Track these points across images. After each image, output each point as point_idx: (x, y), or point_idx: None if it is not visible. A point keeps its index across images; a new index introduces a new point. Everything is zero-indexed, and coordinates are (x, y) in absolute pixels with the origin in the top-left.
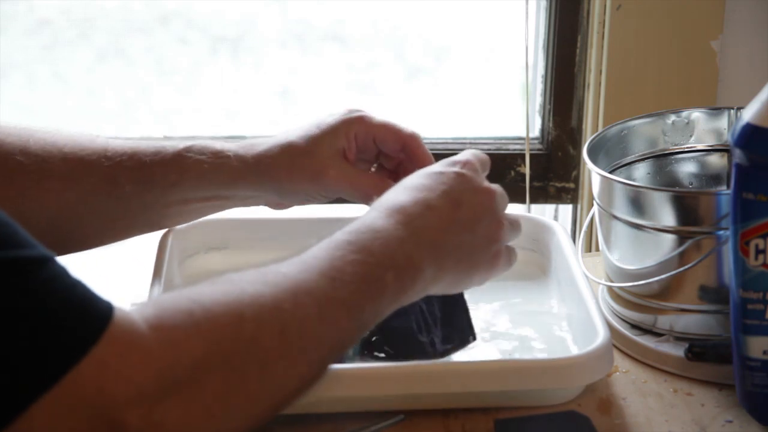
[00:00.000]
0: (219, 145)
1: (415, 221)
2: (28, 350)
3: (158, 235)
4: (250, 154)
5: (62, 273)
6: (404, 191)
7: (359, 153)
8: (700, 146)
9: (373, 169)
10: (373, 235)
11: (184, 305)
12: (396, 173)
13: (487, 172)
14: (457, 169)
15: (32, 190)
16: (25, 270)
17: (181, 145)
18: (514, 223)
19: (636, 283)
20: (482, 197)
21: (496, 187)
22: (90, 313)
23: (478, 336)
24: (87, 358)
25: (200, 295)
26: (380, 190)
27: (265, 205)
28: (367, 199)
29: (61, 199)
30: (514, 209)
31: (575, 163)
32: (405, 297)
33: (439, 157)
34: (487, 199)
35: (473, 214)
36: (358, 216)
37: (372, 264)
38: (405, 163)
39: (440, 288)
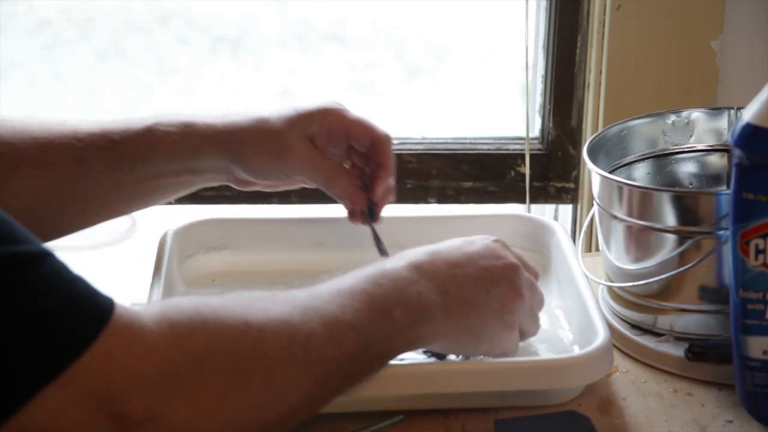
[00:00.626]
0: (189, 117)
1: (425, 266)
2: (30, 343)
3: (158, 235)
4: (221, 122)
5: (62, 268)
6: (423, 247)
7: (330, 143)
8: (700, 146)
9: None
10: (382, 273)
11: (192, 305)
12: (364, 174)
13: (533, 278)
14: (486, 241)
15: (6, 178)
16: (25, 265)
17: (151, 119)
18: (535, 308)
19: (636, 283)
20: (502, 265)
21: (522, 268)
22: (92, 306)
23: None
24: (90, 349)
25: (208, 302)
26: (342, 178)
27: (230, 182)
28: (328, 183)
29: (35, 185)
30: (514, 209)
31: (575, 163)
32: (416, 339)
33: (439, 157)
34: (508, 269)
35: (489, 276)
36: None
37: (381, 296)
38: (370, 164)
39: (449, 339)
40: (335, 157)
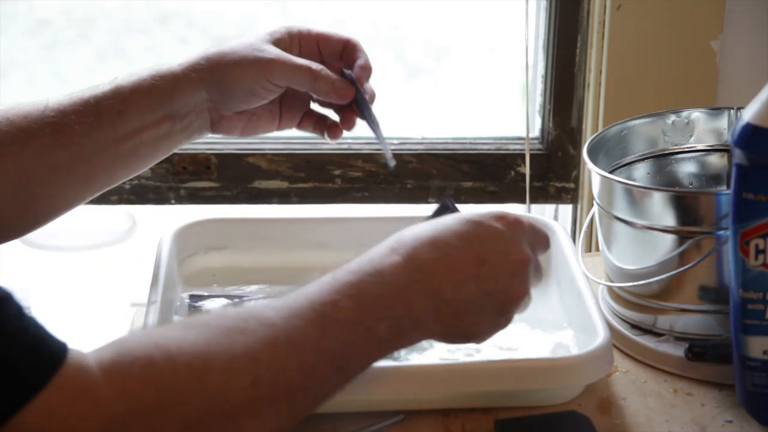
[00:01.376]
0: (156, 65)
1: (425, 266)
2: None
3: (158, 235)
4: (189, 59)
5: (16, 313)
6: (430, 229)
7: (302, 53)
8: (700, 146)
9: None
10: (374, 279)
11: (146, 351)
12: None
13: (541, 250)
14: (497, 225)
15: None
16: None
17: (119, 77)
18: (530, 298)
19: (636, 283)
20: (511, 261)
21: (532, 256)
22: (40, 357)
23: None
24: (33, 404)
25: (168, 340)
26: (325, 71)
27: (211, 124)
28: (313, 79)
29: (17, 162)
30: (514, 209)
31: (575, 163)
32: (400, 346)
33: (439, 157)
34: (516, 265)
35: (496, 275)
36: (373, 248)
37: (365, 312)
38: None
39: (435, 339)
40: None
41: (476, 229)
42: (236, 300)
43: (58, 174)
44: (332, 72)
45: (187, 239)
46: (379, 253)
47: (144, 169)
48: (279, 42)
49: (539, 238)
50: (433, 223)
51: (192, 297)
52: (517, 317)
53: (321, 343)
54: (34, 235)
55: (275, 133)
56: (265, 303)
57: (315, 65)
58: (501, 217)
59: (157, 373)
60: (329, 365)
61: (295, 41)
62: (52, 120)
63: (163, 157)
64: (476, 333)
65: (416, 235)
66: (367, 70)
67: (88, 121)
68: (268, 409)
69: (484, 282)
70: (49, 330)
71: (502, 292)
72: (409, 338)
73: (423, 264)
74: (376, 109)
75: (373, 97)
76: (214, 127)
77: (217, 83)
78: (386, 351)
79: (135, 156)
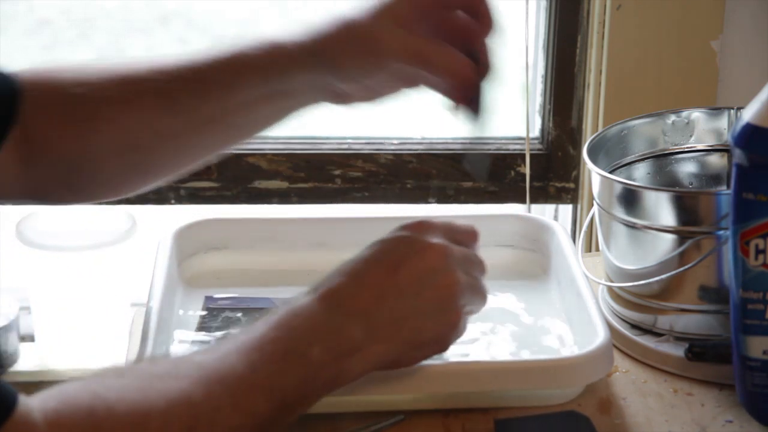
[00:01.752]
0: (274, 37)
1: (339, 293)
2: None
3: (158, 235)
4: (308, 36)
5: None
6: (335, 271)
7: (420, 19)
8: (700, 146)
9: None
10: (293, 313)
11: (87, 401)
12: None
13: (470, 242)
14: (402, 233)
15: (92, 121)
16: None
17: (236, 45)
18: (477, 279)
19: (636, 283)
20: (427, 257)
21: (449, 247)
22: None
23: (479, 336)
24: None
25: (106, 390)
26: (441, 49)
27: (327, 99)
28: (427, 60)
29: (121, 124)
30: (514, 209)
31: (575, 163)
32: (342, 374)
33: (439, 157)
34: (433, 258)
35: (415, 276)
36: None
37: (293, 339)
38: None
39: (387, 360)
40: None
41: (381, 246)
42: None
43: (162, 141)
44: (454, 49)
45: (187, 239)
46: (293, 299)
47: (259, 133)
48: (396, 9)
49: (460, 231)
50: (340, 264)
51: (208, 299)
52: (517, 320)
53: (254, 378)
54: (34, 235)
55: (275, 133)
56: (197, 348)
57: (434, 50)
58: (404, 227)
59: (98, 424)
60: (267, 401)
61: (412, 6)
62: (162, 84)
63: (280, 124)
64: (426, 339)
65: (325, 278)
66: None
67: (198, 91)
68: None
69: (406, 287)
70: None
71: (431, 288)
72: (349, 363)
73: (337, 292)
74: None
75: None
76: (336, 100)
77: (333, 71)
78: (327, 378)
79: (247, 126)
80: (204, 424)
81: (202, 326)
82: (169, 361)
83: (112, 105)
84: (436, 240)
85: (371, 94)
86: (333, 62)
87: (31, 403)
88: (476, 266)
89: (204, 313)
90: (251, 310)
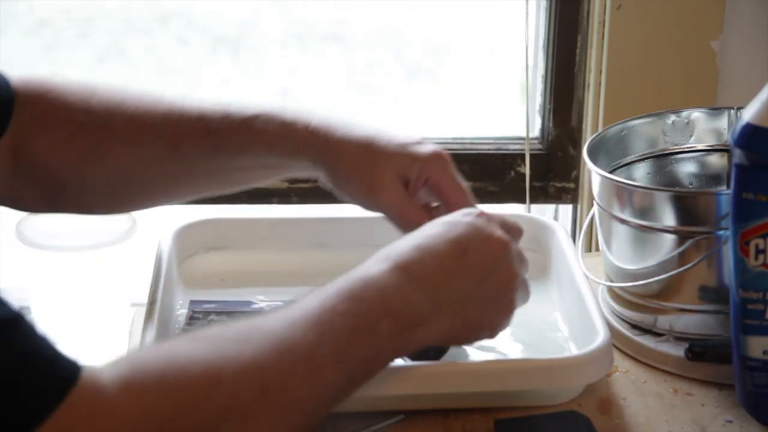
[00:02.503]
0: (291, 116)
1: (412, 267)
2: None
3: (158, 235)
4: (324, 128)
5: (28, 334)
6: (407, 240)
7: (419, 191)
8: (700, 146)
9: None
10: (365, 283)
11: (159, 365)
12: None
13: (517, 239)
14: (468, 219)
15: (95, 153)
16: None
17: (250, 112)
18: (525, 284)
19: (636, 283)
20: (493, 246)
21: (511, 241)
22: (54, 375)
23: None
24: (50, 421)
25: (177, 354)
26: (421, 223)
27: (319, 182)
28: (408, 229)
29: (124, 163)
30: (514, 209)
31: (575, 163)
32: (406, 346)
33: None
34: (498, 249)
35: (482, 262)
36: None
37: (363, 313)
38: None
39: (445, 336)
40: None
41: (450, 226)
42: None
43: (159, 181)
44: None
45: (187, 239)
46: (366, 266)
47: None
48: (409, 167)
49: (510, 227)
50: (411, 234)
51: (192, 303)
52: (517, 320)
53: (324, 349)
54: (34, 235)
55: None
56: (265, 315)
57: (417, 222)
58: (468, 213)
59: (170, 387)
60: (335, 370)
61: (422, 179)
62: (171, 134)
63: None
64: (483, 322)
65: (397, 245)
66: None
67: (205, 147)
68: (281, 417)
69: (472, 270)
70: (61, 349)
71: (492, 276)
72: (414, 336)
73: (410, 265)
74: (376, 109)
75: None
76: (322, 184)
77: (330, 176)
78: (393, 351)
79: (240, 183)
80: (274, 391)
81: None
82: (240, 327)
83: (115, 141)
84: (498, 232)
85: (346, 201)
86: (334, 173)
87: (102, 371)
88: (524, 263)
89: (189, 314)
90: (235, 313)
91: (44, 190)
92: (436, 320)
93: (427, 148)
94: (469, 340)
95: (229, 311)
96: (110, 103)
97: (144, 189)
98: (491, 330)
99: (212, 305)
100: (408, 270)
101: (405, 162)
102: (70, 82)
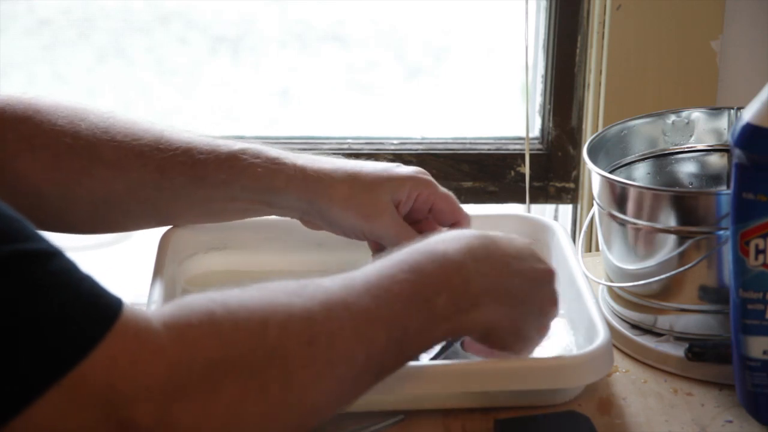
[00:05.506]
0: (275, 153)
1: (477, 251)
2: (35, 343)
3: (158, 235)
4: (311, 166)
5: (71, 267)
6: (479, 232)
7: (412, 211)
8: (700, 146)
9: None
10: (429, 256)
11: (206, 306)
12: None
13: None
14: (525, 241)
15: (80, 175)
16: (33, 263)
17: (237, 146)
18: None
19: (636, 283)
20: (545, 268)
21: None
22: (99, 307)
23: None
24: (95, 352)
25: (227, 298)
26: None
27: (302, 220)
28: None
29: (109, 187)
30: (514, 209)
31: (575, 163)
32: (459, 327)
33: (439, 157)
34: (548, 273)
35: (535, 275)
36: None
37: (422, 284)
38: None
39: (491, 328)
40: (411, 224)
41: (505, 237)
42: None
43: (142, 206)
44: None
45: (187, 239)
46: (428, 241)
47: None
48: (398, 190)
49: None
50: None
51: None
52: None
53: (377, 312)
54: None
55: (275, 133)
56: (322, 277)
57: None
58: (521, 238)
59: (217, 325)
60: (386, 335)
61: (412, 198)
62: (158, 162)
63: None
64: (523, 331)
65: (464, 231)
66: None
67: (191, 176)
68: (328, 371)
69: (528, 275)
70: (102, 284)
71: (541, 293)
72: (468, 317)
73: (474, 249)
74: (376, 109)
75: None
76: (307, 225)
77: (321, 212)
78: (445, 328)
79: (223, 215)
80: (322, 342)
81: None
82: (297, 282)
83: (101, 165)
84: (552, 266)
85: (339, 234)
86: (325, 208)
87: (146, 310)
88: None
89: None
90: None
91: (25, 208)
92: (488, 310)
93: (409, 169)
94: (504, 344)
95: None
96: (99, 127)
97: (127, 213)
98: (524, 345)
99: None
100: (472, 253)
101: (395, 185)
102: (59, 105)
